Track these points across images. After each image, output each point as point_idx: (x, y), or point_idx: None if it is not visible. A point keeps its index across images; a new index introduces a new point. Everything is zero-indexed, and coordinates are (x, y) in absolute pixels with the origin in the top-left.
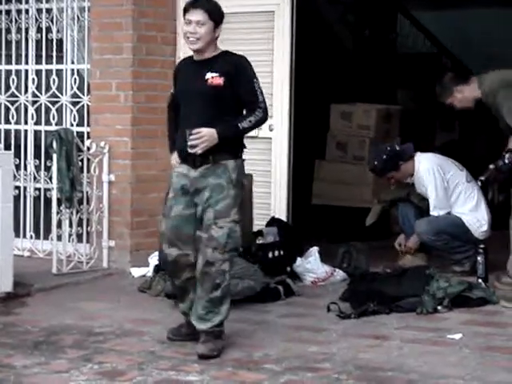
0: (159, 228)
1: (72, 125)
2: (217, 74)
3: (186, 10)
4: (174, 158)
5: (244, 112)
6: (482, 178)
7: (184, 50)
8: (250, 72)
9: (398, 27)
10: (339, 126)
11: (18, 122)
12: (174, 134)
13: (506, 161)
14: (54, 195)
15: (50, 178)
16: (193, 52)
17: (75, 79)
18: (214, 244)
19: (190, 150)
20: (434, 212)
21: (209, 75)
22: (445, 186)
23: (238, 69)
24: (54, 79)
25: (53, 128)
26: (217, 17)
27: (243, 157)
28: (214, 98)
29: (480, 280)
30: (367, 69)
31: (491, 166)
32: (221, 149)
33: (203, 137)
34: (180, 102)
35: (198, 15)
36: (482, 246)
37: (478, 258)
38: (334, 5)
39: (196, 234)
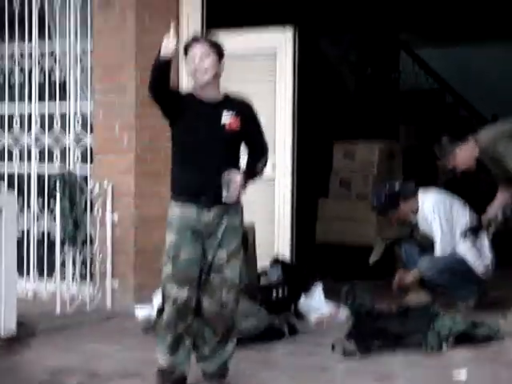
0: (164, 271)
1: (75, 165)
2: (233, 118)
3: (187, 48)
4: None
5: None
6: (494, 230)
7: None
8: (257, 114)
9: (400, 64)
10: (342, 163)
11: (21, 164)
12: None
13: None
14: (58, 236)
15: (54, 219)
16: (198, 89)
17: (78, 120)
18: (228, 284)
19: (227, 200)
20: (439, 249)
21: (225, 118)
22: (449, 222)
23: (249, 112)
24: (57, 120)
25: (56, 169)
26: (219, 50)
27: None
28: (230, 140)
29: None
30: (370, 106)
31: (500, 217)
32: None
33: (241, 184)
34: (185, 139)
35: (201, 47)
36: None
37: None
38: (336, 44)
39: (203, 277)
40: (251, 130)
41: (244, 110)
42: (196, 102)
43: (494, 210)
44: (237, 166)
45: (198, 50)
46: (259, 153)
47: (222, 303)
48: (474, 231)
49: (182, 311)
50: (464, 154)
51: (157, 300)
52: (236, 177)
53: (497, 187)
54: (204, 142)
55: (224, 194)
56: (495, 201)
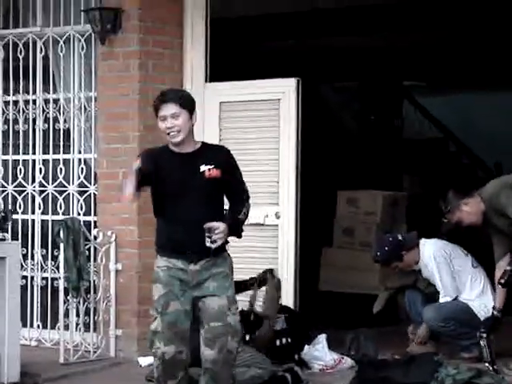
0: (151, 326)
1: (79, 214)
2: (212, 166)
3: (156, 108)
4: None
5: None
6: (502, 281)
7: None
8: (235, 161)
9: (403, 113)
10: (346, 212)
11: (25, 212)
12: None
13: None
14: (61, 284)
15: (57, 268)
16: (173, 145)
17: (82, 168)
18: (231, 331)
19: (212, 245)
20: (443, 299)
21: (204, 168)
22: (451, 270)
23: (229, 160)
24: (61, 169)
25: (60, 217)
26: (189, 105)
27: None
28: (210, 189)
29: (487, 364)
30: (373, 155)
31: (508, 268)
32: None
33: (224, 231)
34: (167, 194)
35: (170, 108)
36: (482, 329)
37: (481, 343)
38: (339, 92)
39: (203, 327)
40: (231, 179)
41: (222, 159)
42: (172, 156)
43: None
44: (220, 216)
45: (168, 111)
46: (241, 202)
47: (228, 351)
48: (487, 327)
49: (170, 368)
50: (469, 209)
51: None
52: (218, 224)
53: None
54: (184, 194)
55: (207, 242)
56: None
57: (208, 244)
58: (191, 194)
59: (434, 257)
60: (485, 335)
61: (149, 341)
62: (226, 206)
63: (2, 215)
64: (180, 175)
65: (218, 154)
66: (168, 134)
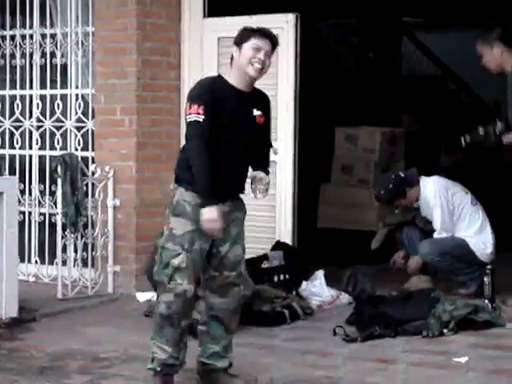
0: (173, 262)
1: (76, 149)
2: (261, 113)
3: (251, 36)
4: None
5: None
6: (467, 140)
7: (189, 74)
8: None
9: (402, 50)
10: (344, 149)
11: (22, 147)
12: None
13: (498, 128)
14: (59, 220)
15: (55, 203)
16: (242, 81)
17: (79, 104)
18: (242, 281)
19: (260, 197)
20: (437, 234)
21: (256, 113)
22: (450, 209)
23: (269, 110)
24: (58, 104)
25: (57, 153)
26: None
27: None
28: (255, 135)
29: (487, 301)
30: (372, 91)
31: (480, 129)
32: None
33: (267, 180)
34: (221, 134)
35: (268, 45)
36: (489, 266)
37: (485, 279)
38: (337, 28)
39: (211, 273)
40: (267, 128)
41: (266, 106)
42: (233, 90)
43: None
44: (251, 163)
45: (266, 47)
46: (264, 152)
47: (239, 300)
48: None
49: (188, 306)
50: (498, 53)
51: None
52: (264, 175)
53: (495, 175)
54: (234, 132)
55: (254, 192)
56: None
57: (254, 194)
58: (240, 135)
59: (435, 194)
60: (489, 271)
61: (168, 276)
62: None
63: None
64: (237, 112)
65: (264, 101)
66: (252, 64)
